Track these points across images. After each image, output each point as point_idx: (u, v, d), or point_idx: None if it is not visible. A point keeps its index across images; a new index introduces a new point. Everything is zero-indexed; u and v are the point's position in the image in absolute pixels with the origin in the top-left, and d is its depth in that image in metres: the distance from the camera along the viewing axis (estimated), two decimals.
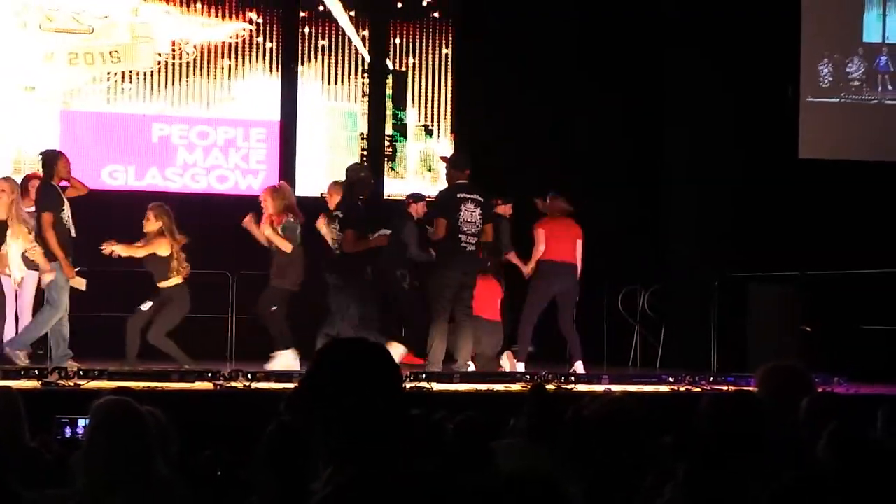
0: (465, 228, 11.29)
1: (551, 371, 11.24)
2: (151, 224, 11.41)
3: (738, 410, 4.50)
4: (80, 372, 10.01)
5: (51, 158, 11.49)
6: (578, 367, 12.00)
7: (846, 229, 14.03)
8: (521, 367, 11.98)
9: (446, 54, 15.26)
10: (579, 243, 12.27)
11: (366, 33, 15.05)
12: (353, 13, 14.97)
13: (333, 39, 14.97)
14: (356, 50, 15.01)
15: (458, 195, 11.35)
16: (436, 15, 15.27)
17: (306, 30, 14.90)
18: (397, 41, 15.18)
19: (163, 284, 11.39)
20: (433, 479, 2.63)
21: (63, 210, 11.29)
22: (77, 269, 11.28)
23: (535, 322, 12.27)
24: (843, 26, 15.27)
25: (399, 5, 15.16)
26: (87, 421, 4.58)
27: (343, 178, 11.80)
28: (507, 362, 12.14)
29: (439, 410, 5.64)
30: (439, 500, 2.61)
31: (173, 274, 11.38)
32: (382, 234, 11.87)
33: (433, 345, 11.28)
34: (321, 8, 14.91)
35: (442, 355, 11.35)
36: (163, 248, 11.38)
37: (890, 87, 15.31)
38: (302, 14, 14.89)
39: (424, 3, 15.25)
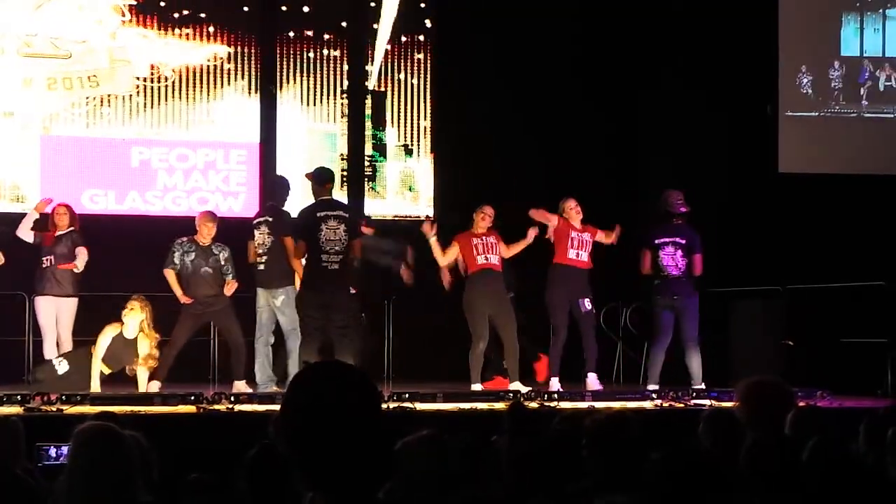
0: (328, 248, 10.91)
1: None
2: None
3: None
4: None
5: (286, 185, 12.16)
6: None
7: (827, 243, 14.07)
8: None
9: (425, 74, 15.28)
10: None
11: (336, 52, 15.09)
12: (332, 35, 15.02)
13: (311, 61, 14.98)
14: (335, 71, 15.02)
15: (318, 213, 11.01)
16: (414, 35, 15.30)
17: (284, 51, 14.91)
18: (377, 61, 15.20)
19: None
20: None
21: None
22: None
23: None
24: (821, 40, 15.35)
25: (375, 26, 15.18)
26: (70, 446, 4.57)
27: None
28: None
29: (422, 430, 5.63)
30: None
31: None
32: None
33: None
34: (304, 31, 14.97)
35: None
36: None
37: (868, 101, 15.38)
38: (279, 35, 14.91)
39: (403, 24, 15.28)
